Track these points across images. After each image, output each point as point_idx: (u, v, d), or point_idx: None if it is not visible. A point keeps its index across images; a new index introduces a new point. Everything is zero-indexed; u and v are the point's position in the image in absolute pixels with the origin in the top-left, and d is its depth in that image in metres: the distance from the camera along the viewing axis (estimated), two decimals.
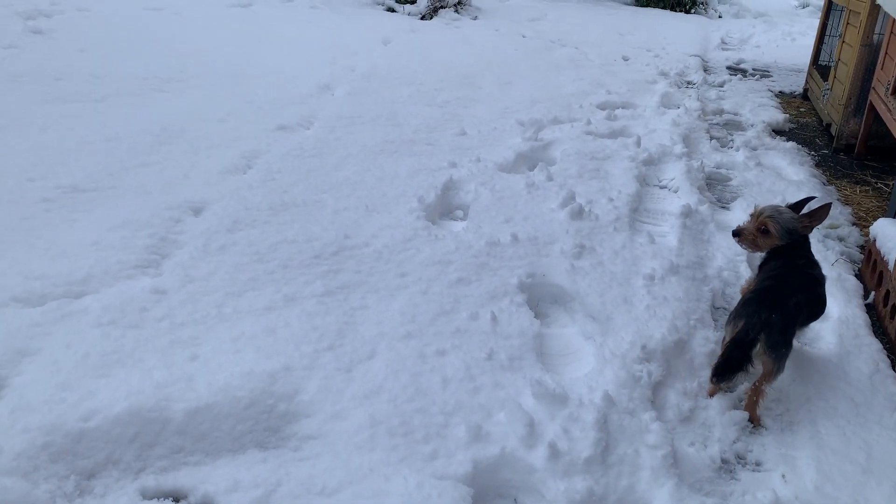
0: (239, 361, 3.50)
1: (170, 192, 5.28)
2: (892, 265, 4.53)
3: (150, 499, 2.87)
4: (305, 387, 3.42)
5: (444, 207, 5.69)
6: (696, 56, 12.68)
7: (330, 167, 6.04)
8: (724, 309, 4.58)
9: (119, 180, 5.43)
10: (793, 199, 6.07)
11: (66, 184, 5.24)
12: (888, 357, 4.19)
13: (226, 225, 4.85)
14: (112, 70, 8.16)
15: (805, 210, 3.85)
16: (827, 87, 8.63)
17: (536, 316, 4.26)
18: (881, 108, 6.69)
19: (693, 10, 19.34)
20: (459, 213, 5.66)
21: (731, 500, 3.12)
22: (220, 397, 3.26)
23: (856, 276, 5.12)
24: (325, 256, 4.57)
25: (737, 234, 3.88)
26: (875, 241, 5.01)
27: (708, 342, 4.07)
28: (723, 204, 6.25)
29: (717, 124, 8.59)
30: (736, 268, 5.00)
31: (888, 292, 4.57)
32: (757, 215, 3.81)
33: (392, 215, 5.20)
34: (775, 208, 3.81)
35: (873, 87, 7.15)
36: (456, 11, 15.12)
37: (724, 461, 3.36)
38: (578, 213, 5.39)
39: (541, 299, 4.55)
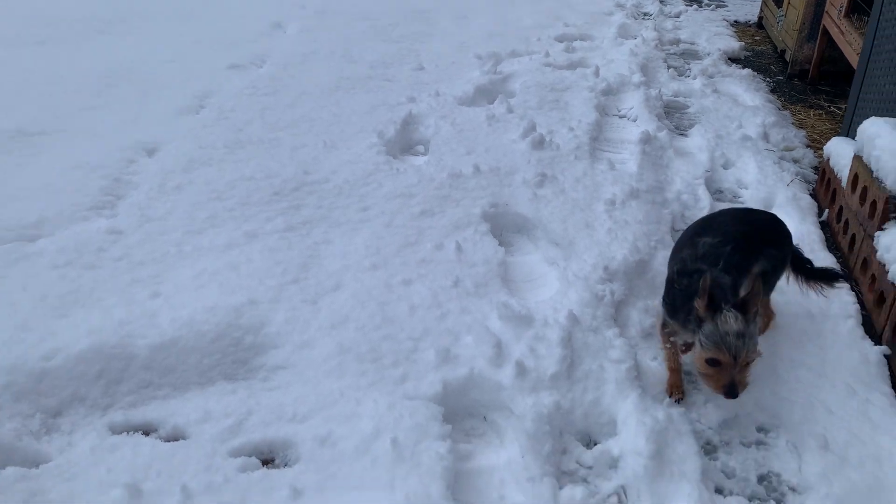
0: (202, 297, 3.47)
1: (121, 134, 5.14)
2: (845, 182, 4.63)
3: (120, 433, 2.86)
4: (272, 319, 3.40)
5: (405, 143, 5.63)
6: None
7: (285, 105, 5.92)
8: (684, 230, 4.65)
9: (67, 123, 5.26)
10: (749, 125, 6.16)
11: (11, 127, 5.05)
12: (842, 270, 4.31)
13: (181, 164, 4.74)
14: (52, 12, 7.83)
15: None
16: (781, 13, 8.66)
17: (501, 244, 4.28)
18: (834, 32, 6.74)
19: None
20: (420, 147, 5.61)
21: (693, 410, 3.21)
22: (185, 332, 3.24)
23: (810, 195, 5.23)
24: (285, 193, 4.51)
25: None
26: (829, 159, 5.11)
27: (667, 260, 4.12)
28: (681, 131, 6.29)
29: (674, 54, 8.59)
30: (694, 191, 5.06)
31: (841, 208, 4.68)
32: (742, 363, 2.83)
33: (352, 151, 5.14)
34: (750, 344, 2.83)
35: (826, 12, 7.19)
36: None
37: (686, 373, 3.45)
38: (539, 143, 5.38)
39: (504, 228, 4.56)
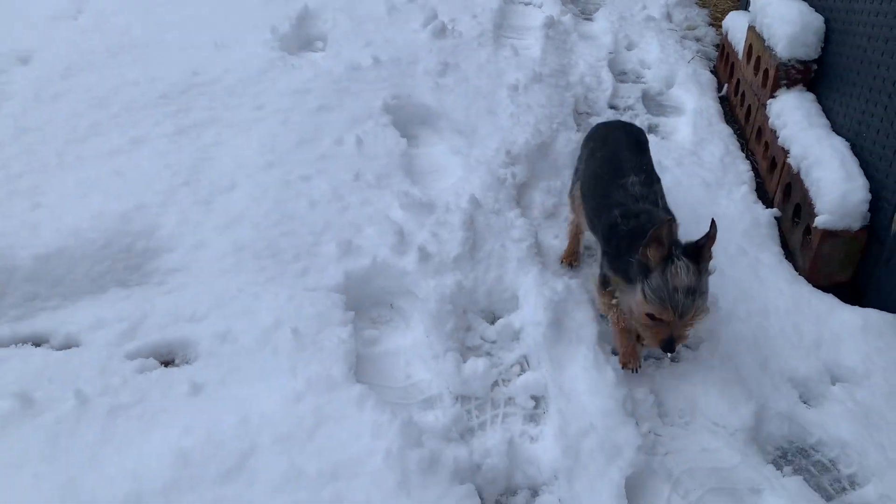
0: (87, 205, 3.31)
1: None
2: (741, 53, 4.68)
3: (7, 346, 2.75)
4: (163, 222, 3.28)
5: (302, 39, 5.37)
6: None
7: (173, 4, 5.54)
8: (587, 113, 4.66)
9: None
10: (653, 6, 6.10)
11: None
12: (738, 140, 4.41)
13: (58, 72, 4.43)
14: None
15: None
16: None
17: (404, 136, 4.19)
18: None
19: None
20: (319, 43, 5.37)
21: (580, 275, 3.29)
22: (71, 241, 3.09)
23: (711, 71, 5.28)
24: (172, 96, 4.28)
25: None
26: (727, 34, 5.15)
27: (570, 142, 4.14)
28: (586, 15, 6.20)
29: None
30: (598, 73, 5.04)
31: (738, 81, 4.74)
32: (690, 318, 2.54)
33: (244, 49, 4.88)
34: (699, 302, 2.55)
35: None
36: None
37: (585, 247, 3.52)
38: (441, 32, 5.23)
39: (408, 121, 4.46)
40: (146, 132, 3.92)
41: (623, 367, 2.82)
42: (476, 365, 2.81)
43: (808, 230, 3.34)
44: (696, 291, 2.46)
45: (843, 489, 2.53)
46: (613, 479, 2.40)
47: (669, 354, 2.68)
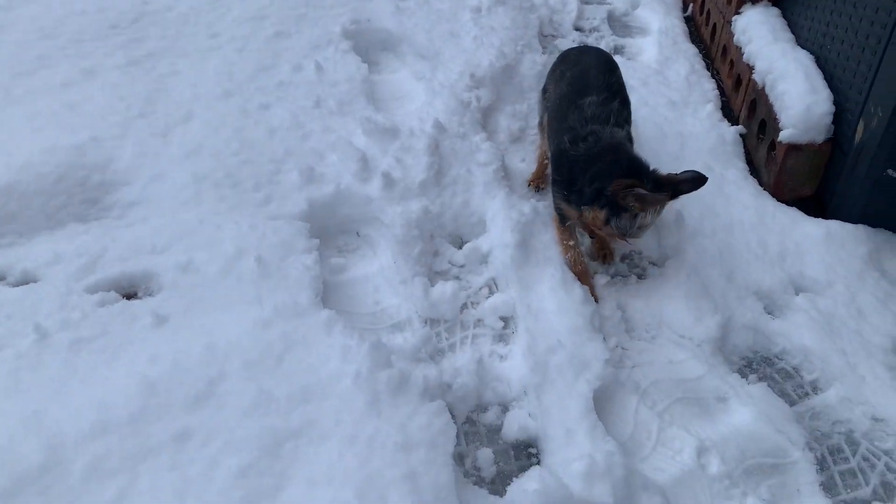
0: (38, 140, 3.19)
1: None
2: None
3: None
4: (119, 155, 3.18)
5: None
6: None
7: None
8: (552, 36, 4.57)
9: None
10: None
11: None
12: (703, 60, 4.37)
13: (0, 4, 4.22)
14: None
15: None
16: None
17: (365, 62, 4.08)
18: None
19: None
20: None
21: (548, 198, 3.27)
22: (23, 176, 2.99)
23: None
24: (123, 26, 4.11)
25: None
26: None
27: (535, 65, 4.07)
28: None
29: None
30: None
31: (704, 0, 4.67)
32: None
33: None
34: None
35: None
36: None
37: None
38: None
39: (369, 46, 4.35)
40: (97, 63, 3.77)
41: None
42: (444, 288, 2.80)
43: (773, 145, 3.34)
44: (652, 224, 2.62)
45: (806, 394, 2.59)
46: (582, 393, 2.43)
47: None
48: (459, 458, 2.34)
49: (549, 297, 2.76)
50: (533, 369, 2.51)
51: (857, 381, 2.56)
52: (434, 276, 2.95)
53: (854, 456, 2.40)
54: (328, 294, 2.81)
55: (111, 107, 3.45)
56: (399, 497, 1.97)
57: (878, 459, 2.39)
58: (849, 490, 2.31)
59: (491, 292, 2.92)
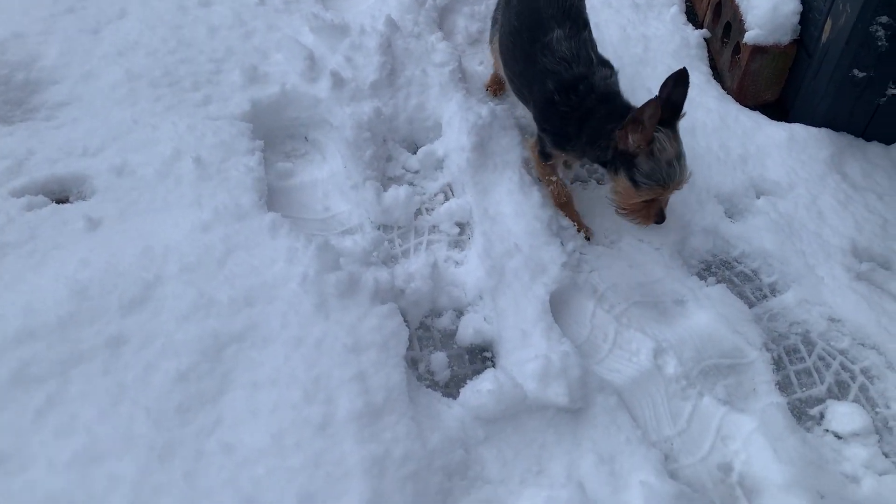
0: None
1: None
2: None
3: None
4: (44, 52, 2.94)
5: None
6: None
7: None
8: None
9: None
10: None
11: None
12: None
13: None
14: None
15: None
16: None
17: None
18: None
19: None
20: None
21: (519, 108, 3.14)
22: None
23: None
24: None
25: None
26: None
27: None
28: None
29: None
30: None
31: None
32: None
33: None
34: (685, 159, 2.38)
35: None
36: None
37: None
38: None
39: None
40: None
41: (583, 235, 2.66)
42: (397, 193, 2.68)
43: (738, 49, 3.23)
44: (683, 154, 2.28)
45: (765, 296, 2.56)
46: (538, 295, 2.36)
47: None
48: (413, 363, 2.27)
49: (506, 201, 2.66)
50: (489, 273, 2.43)
51: (815, 283, 2.54)
52: (387, 181, 2.82)
53: (810, 356, 2.39)
54: (275, 200, 2.67)
55: (35, 1, 3.17)
56: (348, 398, 1.90)
57: (834, 359, 2.39)
58: (804, 388, 2.31)
59: (447, 198, 2.80)
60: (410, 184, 2.83)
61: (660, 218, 2.42)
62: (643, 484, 1.90)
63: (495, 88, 3.20)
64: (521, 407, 2.07)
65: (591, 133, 2.40)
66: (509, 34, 2.66)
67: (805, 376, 2.34)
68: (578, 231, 2.68)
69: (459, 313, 2.43)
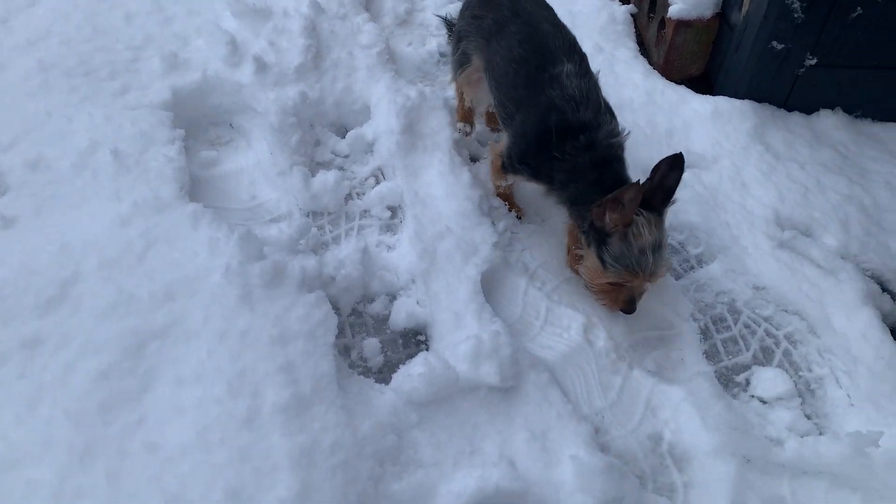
0: None
1: None
2: None
3: None
4: None
5: None
6: None
7: None
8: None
9: None
10: None
11: None
12: None
13: None
14: None
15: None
16: None
17: None
18: None
19: None
20: None
21: (449, 90, 3.12)
22: None
23: None
24: None
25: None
26: None
27: None
28: None
29: None
30: None
31: None
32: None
33: None
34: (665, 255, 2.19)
35: None
36: None
37: (441, 55, 3.32)
38: None
39: None
40: None
41: (517, 216, 2.60)
42: (326, 178, 2.64)
43: (663, 24, 3.26)
44: (662, 244, 2.11)
45: (692, 268, 2.61)
46: (470, 276, 2.36)
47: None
48: (345, 350, 2.25)
49: (437, 183, 2.65)
50: (420, 256, 2.42)
51: (740, 253, 2.59)
52: (316, 167, 2.78)
53: (735, 324, 2.44)
54: (199, 191, 2.61)
55: None
56: (275, 390, 1.87)
57: (759, 326, 2.44)
58: (730, 356, 2.36)
59: (378, 181, 2.78)
60: (340, 168, 2.80)
61: (628, 307, 2.25)
62: (573, 458, 1.92)
63: (468, 121, 2.94)
64: (454, 389, 2.07)
65: (574, 193, 2.24)
66: (511, 62, 2.39)
67: (731, 344, 2.39)
68: (510, 211, 2.68)
69: (392, 298, 2.41)
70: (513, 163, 2.40)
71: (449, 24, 3.01)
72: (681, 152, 2.13)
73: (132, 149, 2.49)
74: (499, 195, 2.68)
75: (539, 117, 2.27)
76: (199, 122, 2.86)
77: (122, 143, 2.49)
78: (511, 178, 2.51)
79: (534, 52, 2.36)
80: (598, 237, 2.14)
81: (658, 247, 2.10)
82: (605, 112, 2.27)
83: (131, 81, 2.78)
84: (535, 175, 2.36)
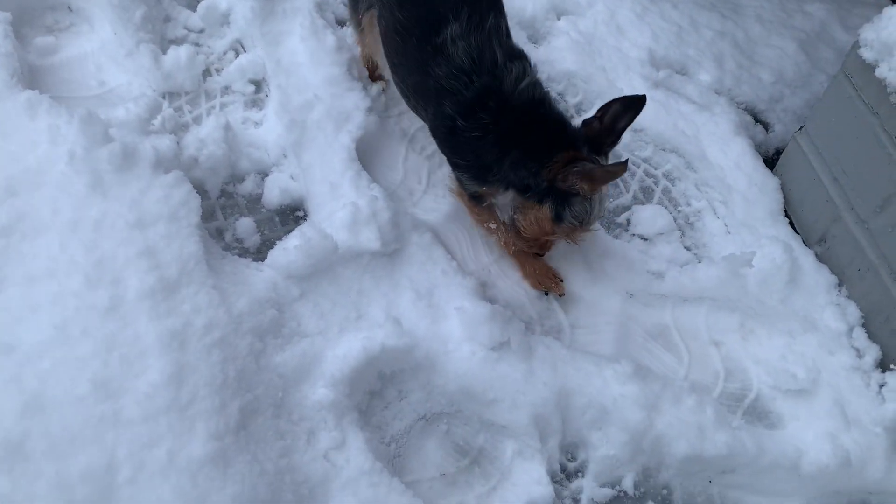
0: None
1: None
2: None
3: None
4: None
5: None
6: None
7: None
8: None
9: None
10: None
11: None
12: None
13: None
14: None
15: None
16: None
17: None
18: None
19: None
20: None
21: None
22: None
23: None
24: None
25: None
26: None
27: None
28: None
29: None
30: None
31: None
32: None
33: None
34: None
35: None
36: None
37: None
38: None
39: None
40: None
41: (549, 293, 2.15)
42: (178, 54, 2.43)
43: None
44: (605, 196, 2.03)
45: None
46: (344, 144, 2.26)
47: None
48: (218, 233, 2.15)
49: (300, 50, 2.48)
50: (289, 128, 2.29)
51: (616, 96, 2.55)
52: (168, 44, 2.55)
53: None
54: (39, 80, 2.38)
55: None
56: (137, 276, 1.75)
57: (638, 167, 2.46)
58: (611, 199, 2.37)
59: (237, 55, 2.58)
60: (195, 44, 2.58)
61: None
62: (458, 310, 1.91)
63: (374, 73, 2.51)
64: (335, 258, 2.00)
65: (517, 157, 1.92)
66: (395, 31, 2.02)
67: (612, 187, 2.39)
68: (549, 291, 2.16)
69: (264, 175, 2.30)
70: (459, 179, 2.10)
71: None
72: (644, 94, 1.93)
73: None
74: (517, 258, 2.19)
75: (436, 108, 1.97)
76: (32, 5, 2.57)
77: None
78: (486, 201, 2.14)
79: (415, 17, 1.97)
80: (559, 196, 1.89)
81: (605, 196, 2.01)
82: (503, 62, 1.92)
83: None
84: (478, 173, 2.02)
